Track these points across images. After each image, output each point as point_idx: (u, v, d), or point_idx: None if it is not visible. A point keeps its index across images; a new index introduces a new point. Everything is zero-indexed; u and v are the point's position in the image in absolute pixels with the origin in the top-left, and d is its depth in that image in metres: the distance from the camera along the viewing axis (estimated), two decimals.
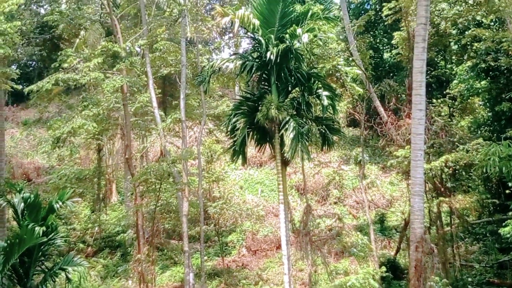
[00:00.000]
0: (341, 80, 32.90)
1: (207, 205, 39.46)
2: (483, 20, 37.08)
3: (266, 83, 24.94)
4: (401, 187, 45.16)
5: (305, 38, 22.95)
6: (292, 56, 23.63)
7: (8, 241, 19.04)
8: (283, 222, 23.89)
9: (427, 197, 30.93)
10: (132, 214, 36.83)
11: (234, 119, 24.07)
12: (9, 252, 18.23)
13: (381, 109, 38.32)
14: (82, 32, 39.04)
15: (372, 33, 53.80)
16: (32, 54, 59.46)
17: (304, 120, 24.26)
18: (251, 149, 31.62)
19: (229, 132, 24.75)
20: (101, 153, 47.59)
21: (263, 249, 42.59)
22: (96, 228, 44.49)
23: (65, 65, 32.89)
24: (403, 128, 32.06)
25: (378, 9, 48.61)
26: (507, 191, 30.95)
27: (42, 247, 19.90)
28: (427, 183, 30.98)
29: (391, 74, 52.14)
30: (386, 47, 55.44)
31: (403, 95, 42.85)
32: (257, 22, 23.85)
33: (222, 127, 34.07)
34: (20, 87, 36.80)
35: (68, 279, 20.53)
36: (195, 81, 30.96)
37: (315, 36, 24.39)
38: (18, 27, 31.13)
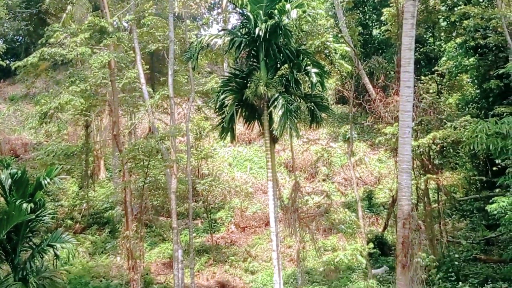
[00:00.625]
0: (329, 57, 32.81)
1: (196, 182, 39.44)
2: None
3: (254, 60, 24.81)
4: (389, 164, 45.34)
5: (294, 14, 22.82)
6: (281, 32, 23.48)
7: None
8: (271, 199, 23.91)
9: (414, 174, 31.06)
10: (120, 190, 36.73)
11: (222, 96, 23.95)
12: None
13: (369, 86, 38.31)
14: (69, 7, 38.61)
15: (361, 9, 53.73)
16: (19, 29, 58.90)
17: (293, 97, 24.16)
18: (239, 126, 31.62)
19: (217, 109, 24.62)
20: (89, 130, 47.33)
21: (252, 226, 42.74)
22: (84, 205, 44.45)
23: (52, 40, 32.64)
24: (392, 105, 32.08)
25: None
26: (494, 168, 31.11)
27: (29, 223, 19.80)
28: (415, 160, 31.08)
29: (380, 51, 52.12)
30: (375, 23, 55.36)
31: (392, 72, 42.90)
32: None
33: (211, 104, 33.90)
34: (6, 62, 36.52)
35: (56, 256, 20.50)
36: (183, 57, 30.75)
37: (304, 12, 24.27)
38: (4, 1, 30.82)
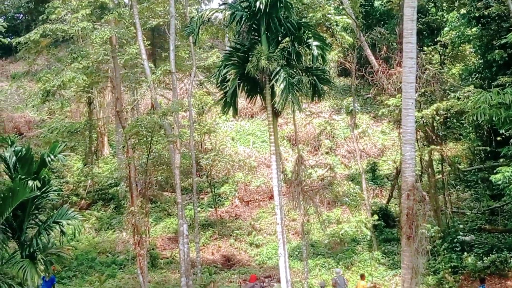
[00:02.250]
0: (331, 30, 32.66)
1: (199, 156, 39.51)
2: None
3: (256, 34, 24.67)
4: (392, 136, 45.32)
5: None
6: (281, 5, 23.31)
7: (1, 195, 18.96)
8: (275, 172, 23.96)
9: (418, 145, 31.05)
10: (124, 166, 36.87)
11: (224, 71, 23.84)
12: (2, 206, 18.16)
13: (372, 58, 38.14)
14: None
15: None
16: (19, 6, 58.77)
17: (295, 70, 24.06)
18: (242, 101, 31.55)
19: (219, 84, 24.53)
20: (92, 106, 47.40)
21: (256, 199, 42.89)
22: (89, 181, 44.59)
23: (53, 16, 32.56)
24: (394, 77, 31.94)
25: None
26: (498, 138, 31.09)
27: (35, 200, 19.86)
28: (419, 131, 31.07)
29: (382, 22, 51.73)
30: None
31: (394, 44, 42.64)
32: None
33: (213, 79, 33.85)
34: (8, 40, 36.43)
35: (63, 232, 20.60)
36: (184, 32, 30.66)
37: None
38: None
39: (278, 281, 25.94)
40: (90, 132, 46.08)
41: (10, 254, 19.42)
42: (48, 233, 20.12)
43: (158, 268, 35.14)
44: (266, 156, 44.90)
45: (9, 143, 21.01)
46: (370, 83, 35.94)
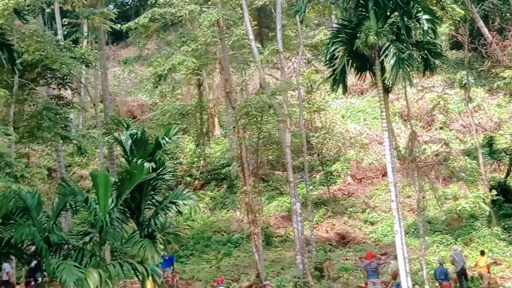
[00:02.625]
0: (441, 2, 31.77)
1: (310, 135, 39.53)
2: None
3: (363, 9, 24.24)
4: (509, 109, 43.82)
5: None
6: None
7: (119, 177, 19.59)
8: (387, 149, 23.59)
9: None
10: (235, 147, 37.40)
11: (332, 48, 23.61)
12: (120, 187, 18.76)
13: (485, 30, 36.92)
14: None
15: None
16: None
17: (405, 45, 23.52)
18: (351, 77, 31.20)
19: (327, 61, 24.31)
20: (202, 88, 48.23)
21: (369, 177, 42.53)
22: (202, 162, 45.55)
23: (161, 0, 33.26)
24: (509, 48, 30.90)
25: None
26: None
27: (151, 182, 20.35)
28: None
29: None
30: None
31: (508, 14, 41.16)
32: None
33: (321, 57, 33.63)
34: (118, 26, 37.57)
35: (179, 212, 21.06)
36: (290, 11, 30.53)
37: None
38: None
39: (395, 258, 25.61)
40: (201, 114, 46.95)
41: (130, 234, 20.04)
42: (165, 213, 20.58)
43: (273, 246, 35.60)
44: (377, 132, 44.34)
45: (125, 126, 21.60)
46: (484, 55, 34.95)
